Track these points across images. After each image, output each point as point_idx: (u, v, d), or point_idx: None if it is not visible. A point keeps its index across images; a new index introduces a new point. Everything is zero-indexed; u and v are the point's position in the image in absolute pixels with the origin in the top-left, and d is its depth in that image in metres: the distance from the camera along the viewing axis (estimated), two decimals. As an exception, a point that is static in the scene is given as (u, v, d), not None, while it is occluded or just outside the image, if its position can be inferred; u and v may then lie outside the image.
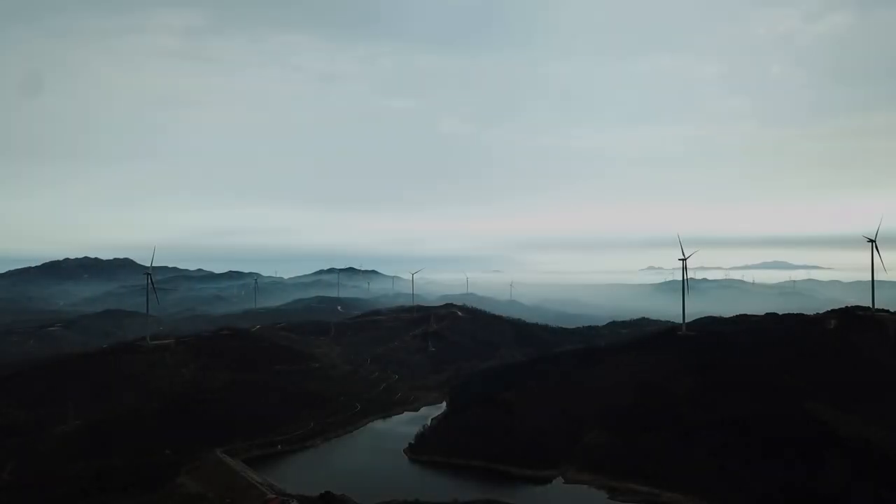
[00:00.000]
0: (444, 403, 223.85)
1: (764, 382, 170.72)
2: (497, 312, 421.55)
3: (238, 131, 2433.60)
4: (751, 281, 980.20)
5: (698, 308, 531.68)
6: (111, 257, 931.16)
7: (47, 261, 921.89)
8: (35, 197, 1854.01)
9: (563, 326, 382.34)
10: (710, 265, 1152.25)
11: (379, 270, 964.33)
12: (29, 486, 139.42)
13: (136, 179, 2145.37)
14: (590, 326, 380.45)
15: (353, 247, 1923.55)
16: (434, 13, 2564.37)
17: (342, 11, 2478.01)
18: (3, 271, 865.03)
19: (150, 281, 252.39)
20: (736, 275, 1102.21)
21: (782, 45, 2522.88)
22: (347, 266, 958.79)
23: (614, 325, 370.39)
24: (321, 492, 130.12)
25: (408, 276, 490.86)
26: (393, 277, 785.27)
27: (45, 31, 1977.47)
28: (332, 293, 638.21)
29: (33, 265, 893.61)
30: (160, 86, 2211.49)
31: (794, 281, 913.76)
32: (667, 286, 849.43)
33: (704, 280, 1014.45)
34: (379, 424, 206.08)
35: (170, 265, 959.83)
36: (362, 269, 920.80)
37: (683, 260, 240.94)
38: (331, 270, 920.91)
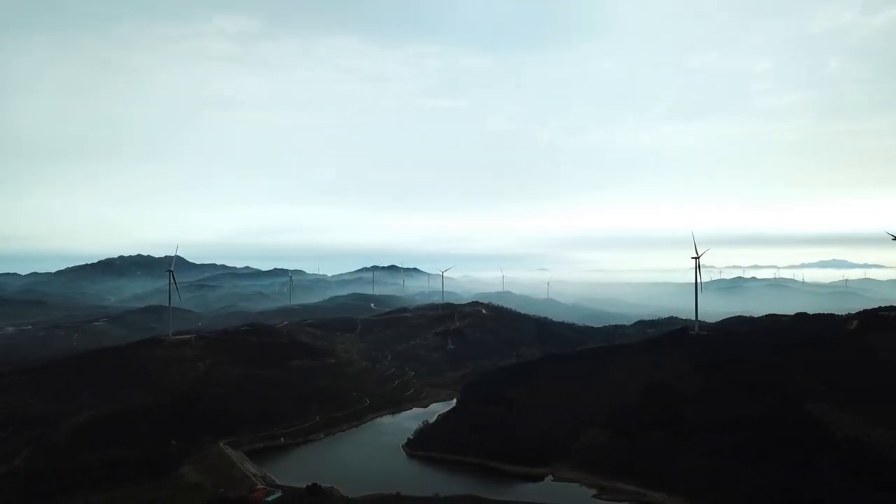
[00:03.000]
0: (455, 400, 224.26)
1: (772, 383, 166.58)
2: (532, 311, 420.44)
3: (288, 132, 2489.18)
4: (801, 280, 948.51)
5: (738, 307, 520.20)
6: (162, 255, 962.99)
7: (103, 258, 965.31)
8: (92, 196, 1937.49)
9: (590, 325, 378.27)
10: (763, 263, 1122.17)
11: (420, 268, 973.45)
12: (39, 473, 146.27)
13: (190, 179, 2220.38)
14: (616, 325, 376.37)
15: (399, 245, 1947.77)
16: (479, 14, 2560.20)
17: (389, 14, 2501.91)
18: (61, 268, 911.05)
19: (171, 278, 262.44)
20: (787, 273, 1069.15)
21: (839, 39, 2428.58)
22: (390, 264, 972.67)
23: (641, 325, 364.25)
24: (310, 483, 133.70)
25: (446, 275, 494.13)
26: (429, 275, 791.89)
27: (111, 38, 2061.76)
28: (371, 291, 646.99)
29: (90, 262, 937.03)
30: (215, 88, 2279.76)
31: (847, 280, 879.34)
32: (712, 285, 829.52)
33: (753, 279, 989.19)
34: (386, 420, 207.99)
35: (218, 262, 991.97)
36: (404, 266, 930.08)
37: (696, 258, 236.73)
38: (373, 268, 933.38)
